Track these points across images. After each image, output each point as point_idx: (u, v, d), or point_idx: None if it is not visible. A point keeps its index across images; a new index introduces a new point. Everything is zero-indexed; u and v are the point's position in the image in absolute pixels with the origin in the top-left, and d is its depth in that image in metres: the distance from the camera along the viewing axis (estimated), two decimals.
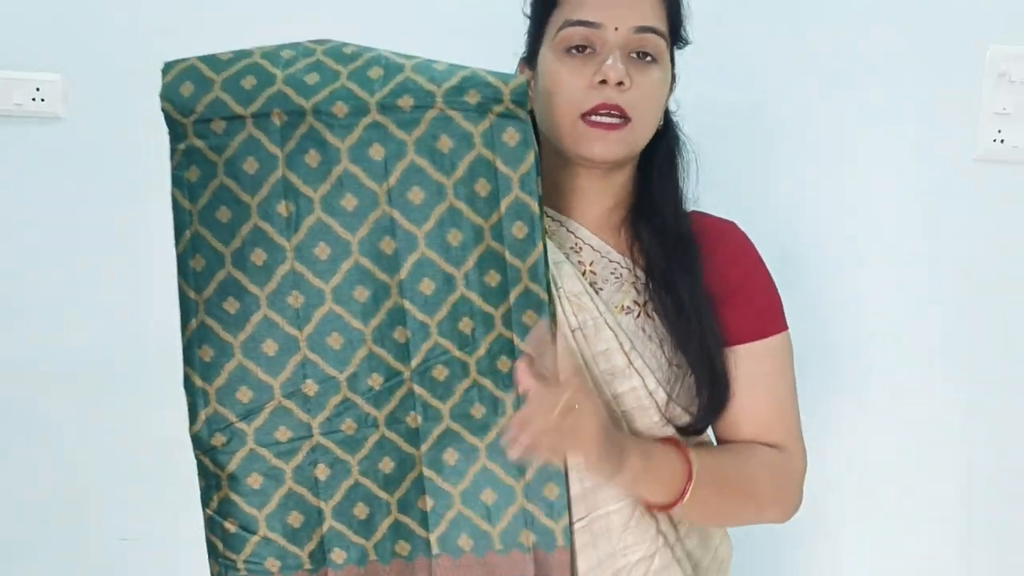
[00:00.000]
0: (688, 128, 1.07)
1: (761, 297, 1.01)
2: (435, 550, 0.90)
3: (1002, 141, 1.46)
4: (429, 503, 0.89)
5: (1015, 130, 1.46)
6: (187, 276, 0.88)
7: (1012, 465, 1.55)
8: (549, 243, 0.96)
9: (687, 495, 0.90)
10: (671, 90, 1.02)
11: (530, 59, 1.00)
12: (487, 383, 0.88)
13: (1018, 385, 1.54)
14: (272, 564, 0.89)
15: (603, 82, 0.91)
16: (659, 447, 0.92)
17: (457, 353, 0.87)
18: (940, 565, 1.59)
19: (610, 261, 1.00)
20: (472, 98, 0.83)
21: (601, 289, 0.98)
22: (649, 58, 0.95)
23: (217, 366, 0.88)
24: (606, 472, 0.85)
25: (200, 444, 0.90)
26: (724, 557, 1.05)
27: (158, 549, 1.59)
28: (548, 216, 1.01)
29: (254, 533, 0.89)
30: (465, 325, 0.87)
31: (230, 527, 0.90)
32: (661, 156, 1.02)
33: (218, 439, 0.89)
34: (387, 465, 0.89)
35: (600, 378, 0.94)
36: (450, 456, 0.89)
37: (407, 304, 0.86)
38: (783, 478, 1.00)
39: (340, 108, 0.83)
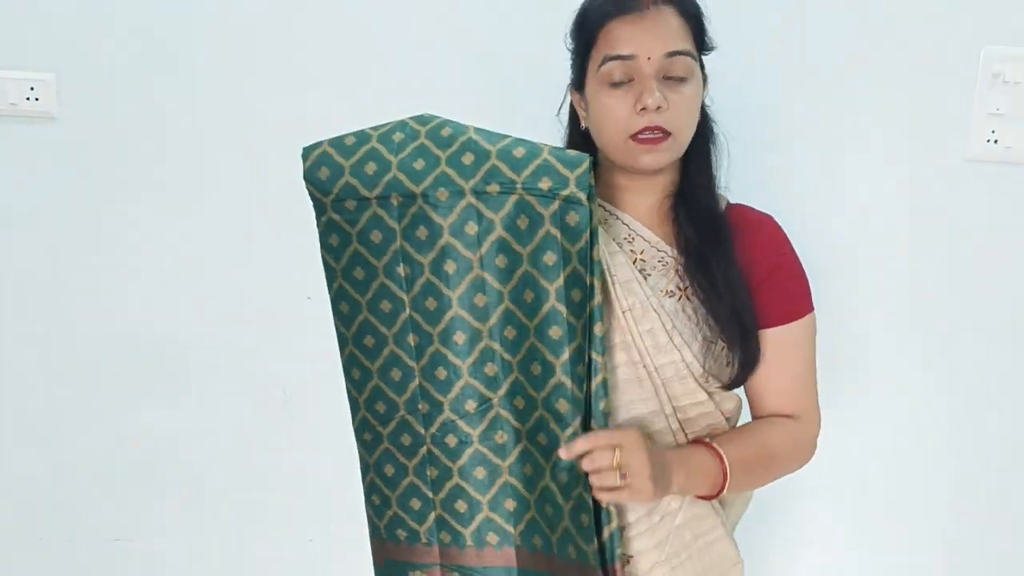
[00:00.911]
0: None
1: (790, 284, 1.14)
2: (517, 542, 1.09)
3: (995, 142, 1.47)
4: (512, 505, 1.08)
5: (1009, 131, 1.47)
6: (338, 316, 1.12)
7: (999, 464, 1.57)
8: (606, 233, 1.13)
9: (725, 487, 1.07)
10: (704, 91, 1.14)
11: (578, 84, 1.15)
12: (548, 418, 1.04)
13: (1010, 384, 1.54)
14: (400, 534, 1.14)
15: (644, 109, 1.05)
16: (696, 454, 1.07)
17: (530, 390, 1.05)
18: (927, 561, 1.59)
19: (658, 250, 1.14)
20: (544, 184, 1.00)
21: (649, 275, 1.12)
22: (681, 77, 1.08)
23: (363, 383, 1.12)
24: (659, 495, 1.01)
25: (356, 437, 1.16)
26: (747, 494, 1.23)
27: (149, 550, 1.59)
28: (605, 209, 1.16)
29: (389, 508, 1.14)
30: (535, 368, 1.04)
31: (375, 500, 1.15)
32: (697, 148, 1.14)
33: (366, 436, 1.14)
34: (480, 472, 1.08)
35: (646, 352, 1.09)
36: (527, 469, 1.07)
37: (495, 346, 1.05)
38: (799, 441, 1.16)
39: (442, 193, 1.03)
